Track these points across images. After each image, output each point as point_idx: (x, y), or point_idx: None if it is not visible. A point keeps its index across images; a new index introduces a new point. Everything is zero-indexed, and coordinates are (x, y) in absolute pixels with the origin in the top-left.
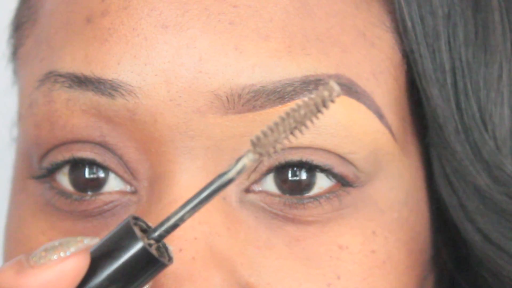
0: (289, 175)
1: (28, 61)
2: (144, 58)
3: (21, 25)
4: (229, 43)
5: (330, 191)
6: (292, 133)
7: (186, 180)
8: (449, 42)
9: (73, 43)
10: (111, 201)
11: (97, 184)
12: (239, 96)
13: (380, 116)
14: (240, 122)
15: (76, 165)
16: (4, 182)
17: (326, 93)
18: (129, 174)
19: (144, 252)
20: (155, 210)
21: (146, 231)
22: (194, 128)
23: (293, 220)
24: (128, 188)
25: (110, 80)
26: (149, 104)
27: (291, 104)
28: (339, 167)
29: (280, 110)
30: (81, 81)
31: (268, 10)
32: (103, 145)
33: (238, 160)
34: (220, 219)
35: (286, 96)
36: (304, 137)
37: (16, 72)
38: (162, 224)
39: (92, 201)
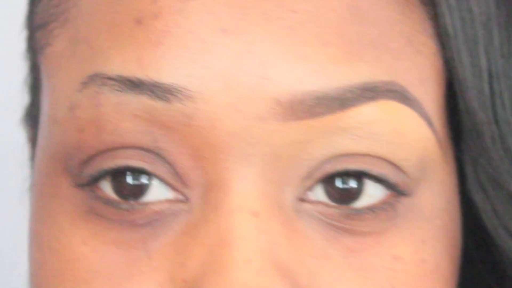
0: (339, 183)
1: (62, 63)
2: (203, 62)
3: (46, 24)
4: (290, 49)
5: (384, 201)
6: None
7: (244, 188)
8: (486, 50)
9: (122, 45)
10: (162, 210)
11: (139, 191)
12: (301, 102)
13: (430, 123)
14: (299, 128)
15: (120, 171)
16: (8, 180)
17: None
18: (179, 181)
19: None
20: (212, 219)
21: None
22: (254, 135)
23: (349, 231)
24: (177, 196)
25: (167, 84)
26: (207, 110)
27: (351, 111)
28: (393, 176)
29: (340, 116)
30: (135, 85)
31: (326, 16)
32: (153, 151)
33: None
34: (279, 228)
35: (347, 103)
36: (361, 144)
37: (42, 72)
38: None
39: (141, 210)
